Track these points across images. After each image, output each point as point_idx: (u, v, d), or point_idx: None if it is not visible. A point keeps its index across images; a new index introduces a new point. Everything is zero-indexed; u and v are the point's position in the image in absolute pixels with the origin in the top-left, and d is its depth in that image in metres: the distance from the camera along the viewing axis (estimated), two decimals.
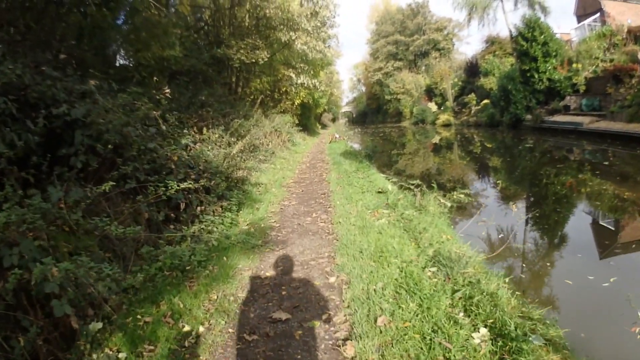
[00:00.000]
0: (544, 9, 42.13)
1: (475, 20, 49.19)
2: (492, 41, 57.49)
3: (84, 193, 6.10)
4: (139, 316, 5.18)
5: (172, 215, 8.45)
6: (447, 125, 54.89)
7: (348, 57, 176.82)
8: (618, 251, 8.62)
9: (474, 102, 52.82)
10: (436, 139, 41.47)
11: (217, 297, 5.90)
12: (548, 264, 8.12)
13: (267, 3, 20.91)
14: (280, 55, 25.81)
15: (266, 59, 21.56)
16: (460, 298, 5.11)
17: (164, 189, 7.39)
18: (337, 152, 24.33)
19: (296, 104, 35.25)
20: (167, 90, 12.50)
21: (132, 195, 7.56)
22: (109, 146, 6.88)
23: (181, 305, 5.51)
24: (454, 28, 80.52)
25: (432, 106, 65.09)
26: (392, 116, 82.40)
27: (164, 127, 10.46)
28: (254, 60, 21.00)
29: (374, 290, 5.52)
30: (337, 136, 38.20)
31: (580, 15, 43.46)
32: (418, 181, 10.46)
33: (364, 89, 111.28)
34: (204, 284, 6.21)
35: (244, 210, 10.64)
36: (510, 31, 41.28)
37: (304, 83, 27.94)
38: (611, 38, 34.11)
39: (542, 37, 34.75)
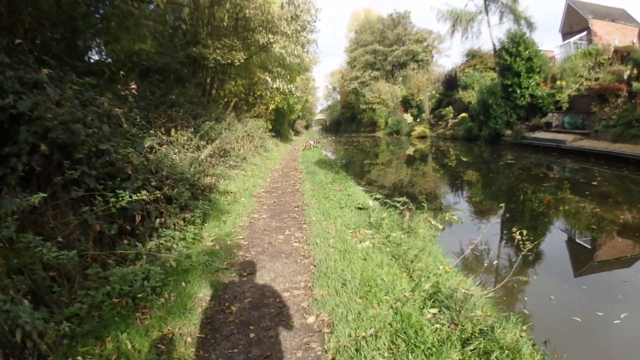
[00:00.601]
0: (529, 25, 41.71)
1: (458, 33, 48.17)
2: (473, 55, 57.27)
3: (20, 202, 5.05)
4: (79, 357, 4.17)
5: (127, 227, 7.35)
6: (422, 137, 54.15)
7: (325, 65, 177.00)
8: (625, 282, 7.81)
9: (451, 115, 52.31)
10: (411, 151, 40.85)
11: (173, 335, 4.86)
12: (551, 297, 7.18)
13: (247, 2, 20.06)
14: (257, 58, 24.98)
15: (242, 60, 20.77)
16: (472, 351, 4.17)
17: (114, 199, 6.29)
18: (311, 161, 23.33)
19: (270, 108, 34.23)
20: (134, 86, 11.51)
21: (85, 203, 6.49)
22: (43, 147, 5.78)
23: (129, 346, 4.48)
24: (434, 40, 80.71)
25: (408, 117, 64.38)
26: (366, 126, 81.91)
27: (125, 126, 9.42)
28: (229, 61, 20.23)
29: (364, 338, 4.51)
30: (312, 143, 37.05)
31: (566, 33, 43.96)
32: (404, 198, 9.42)
33: (339, 97, 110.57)
34: (157, 316, 5.18)
35: (209, 222, 9.60)
36: (494, 45, 40.76)
37: (280, 88, 27.28)
38: (597, 57, 34.16)
39: (526, 52, 34.54)
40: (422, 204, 9.31)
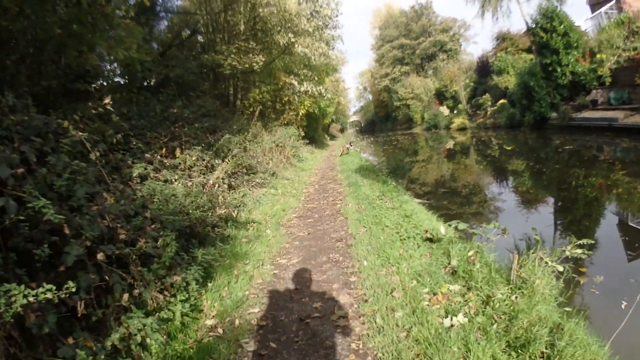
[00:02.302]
0: None
1: (488, 13, 46.33)
2: (503, 37, 53.58)
3: None
4: None
5: (81, 309, 4.34)
6: (462, 129, 51.05)
7: (353, 66, 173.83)
8: None
9: (489, 102, 49.24)
10: (452, 144, 38.13)
11: None
12: None
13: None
14: (280, 61, 22.35)
15: (261, 63, 18.25)
16: None
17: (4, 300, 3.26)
18: (351, 168, 19.96)
19: (301, 114, 30.94)
20: (107, 101, 8.63)
21: None
22: None
23: None
24: (460, 28, 78.16)
25: (444, 110, 61.39)
26: (402, 123, 78.95)
27: (94, 156, 6.54)
28: (247, 66, 17.80)
29: None
30: (349, 147, 33.63)
31: (594, 4, 40.43)
32: (498, 224, 6.19)
33: (370, 97, 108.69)
34: None
35: (216, 279, 6.47)
36: (527, 23, 37.88)
37: (308, 90, 24.49)
38: (630, 25, 31.03)
39: (561, 27, 31.37)
40: (535, 235, 5.75)
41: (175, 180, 9.28)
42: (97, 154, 6.87)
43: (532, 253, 5.29)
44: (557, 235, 9.61)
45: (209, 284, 6.26)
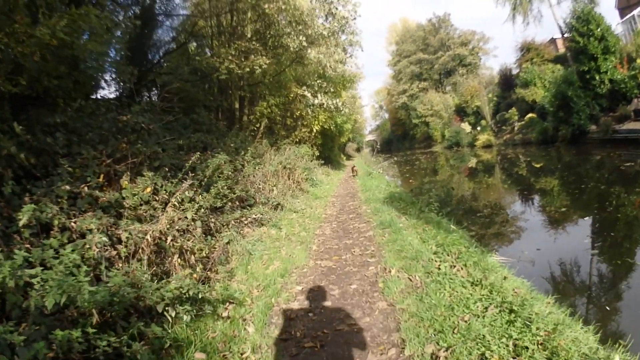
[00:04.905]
0: (592, 0, 34.67)
1: (519, 17, 44.74)
2: (527, 48, 50.03)
3: None
4: None
5: None
6: (488, 146, 47.57)
7: (368, 84, 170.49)
8: None
9: (516, 117, 45.89)
10: (474, 164, 34.77)
11: None
12: None
13: None
14: (291, 71, 19.45)
15: (265, 66, 14.61)
16: None
17: None
18: (378, 197, 14.61)
19: (315, 130, 26.59)
20: None
21: None
22: None
23: None
24: (479, 41, 76.35)
25: (466, 127, 58.13)
26: (421, 141, 76.73)
27: None
28: (248, 70, 14.19)
29: None
30: (357, 168, 29.31)
31: (623, 8, 38.66)
32: None
33: (387, 115, 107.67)
34: None
35: None
36: (560, 27, 34.91)
37: (323, 104, 20.81)
38: None
39: (598, 30, 28.47)
40: None
41: (99, 230, 5.17)
42: None
43: None
44: None
45: None
